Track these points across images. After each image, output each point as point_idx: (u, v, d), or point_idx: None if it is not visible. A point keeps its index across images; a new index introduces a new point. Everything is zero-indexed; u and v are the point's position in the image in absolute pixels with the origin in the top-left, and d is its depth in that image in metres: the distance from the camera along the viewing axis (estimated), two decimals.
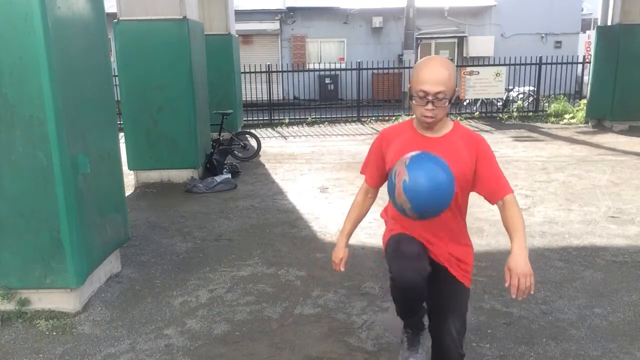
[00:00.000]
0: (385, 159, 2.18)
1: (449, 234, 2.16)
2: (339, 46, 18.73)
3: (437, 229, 2.13)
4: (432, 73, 1.93)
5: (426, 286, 2.09)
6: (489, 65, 13.44)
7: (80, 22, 3.35)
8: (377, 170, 2.27)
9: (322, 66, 16.59)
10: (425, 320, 2.36)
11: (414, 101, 1.99)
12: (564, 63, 12.61)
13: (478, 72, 12.36)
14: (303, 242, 4.50)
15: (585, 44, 17.47)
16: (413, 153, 1.93)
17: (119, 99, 6.38)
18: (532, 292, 1.92)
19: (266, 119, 12.73)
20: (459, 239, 2.19)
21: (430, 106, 1.95)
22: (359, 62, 12.95)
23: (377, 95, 16.04)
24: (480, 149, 2.04)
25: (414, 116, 2.10)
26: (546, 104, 12.73)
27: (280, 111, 13.29)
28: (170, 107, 6.44)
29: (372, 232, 4.67)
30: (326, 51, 18.66)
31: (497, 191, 2.04)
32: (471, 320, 3.12)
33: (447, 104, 1.96)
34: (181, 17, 6.30)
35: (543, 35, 18.59)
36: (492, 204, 2.09)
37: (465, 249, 2.22)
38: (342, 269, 2.32)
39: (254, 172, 7.44)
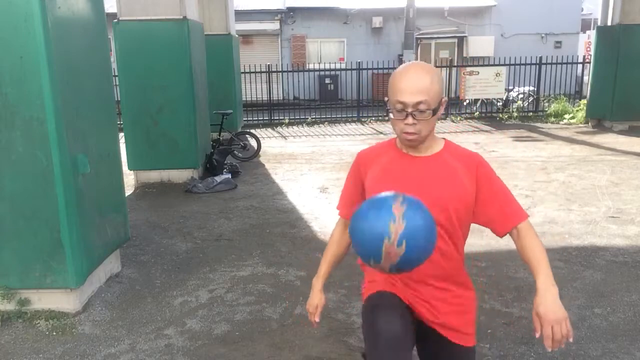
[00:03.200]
0: (365, 186, 1.83)
1: (441, 278, 1.76)
2: (339, 46, 18.73)
3: (426, 274, 1.73)
4: (410, 80, 1.61)
5: None
6: (489, 65, 13.44)
7: (80, 22, 3.36)
8: (358, 198, 1.86)
9: (322, 66, 16.59)
10: None
11: (391, 115, 1.67)
12: (564, 63, 12.62)
13: (478, 72, 12.36)
14: (303, 242, 4.50)
15: (585, 44, 17.48)
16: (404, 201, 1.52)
17: (119, 99, 6.38)
18: (570, 340, 1.52)
19: (266, 119, 12.73)
20: (454, 282, 1.79)
21: (410, 120, 1.62)
22: (359, 62, 12.95)
23: (377, 95, 16.03)
24: (480, 170, 1.72)
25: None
26: (546, 104, 12.73)
27: (280, 111, 13.29)
28: (170, 107, 6.44)
29: None
30: (326, 51, 18.65)
31: (507, 218, 1.71)
32: None
33: (431, 116, 1.63)
34: (181, 17, 6.30)
35: (543, 35, 18.59)
36: (501, 234, 1.73)
37: (464, 295, 1.82)
38: (317, 320, 1.93)
39: (254, 172, 7.44)
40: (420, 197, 1.60)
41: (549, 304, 1.51)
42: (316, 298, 1.94)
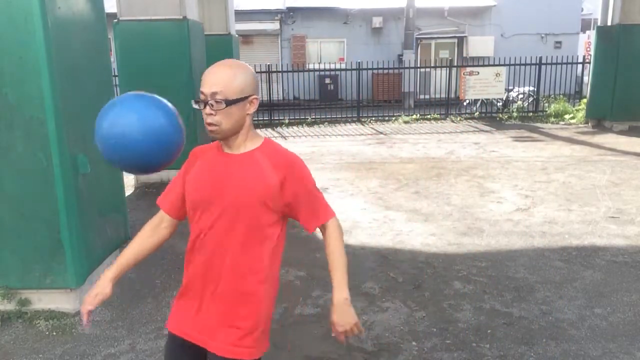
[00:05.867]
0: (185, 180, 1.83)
1: (239, 275, 1.74)
2: (339, 46, 18.72)
3: (228, 269, 1.74)
4: (211, 73, 1.69)
5: None
6: (489, 65, 13.43)
7: (80, 22, 3.36)
8: (177, 194, 1.85)
9: (322, 66, 16.59)
10: None
11: (194, 105, 1.73)
12: (564, 63, 12.61)
13: (478, 73, 12.36)
14: (303, 242, 4.50)
15: (585, 44, 17.47)
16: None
17: None
18: (362, 335, 1.88)
19: (266, 119, 12.72)
20: (251, 277, 1.75)
21: (207, 109, 1.66)
22: (359, 62, 12.95)
23: (377, 95, 16.03)
24: (290, 171, 1.73)
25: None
26: (546, 104, 12.73)
27: (280, 111, 13.28)
28: None
29: (372, 232, 4.67)
30: (326, 51, 18.64)
31: (314, 217, 1.80)
32: (471, 321, 3.12)
33: (225, 107, 1.64)
34: (181, 17, 6.30)
35: (543, 35, 18.59)
36: (310, 231, 1.83)
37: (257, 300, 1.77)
38: (90, 308, 1.75)
39: None
40: (220, 195, 1.69)
41: (340, 314, 1.73)
42: (99, 287, 1.77)
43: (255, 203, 1.71)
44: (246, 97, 1.69)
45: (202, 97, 1.68)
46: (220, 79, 1.67)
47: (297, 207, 1.77)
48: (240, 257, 1.75)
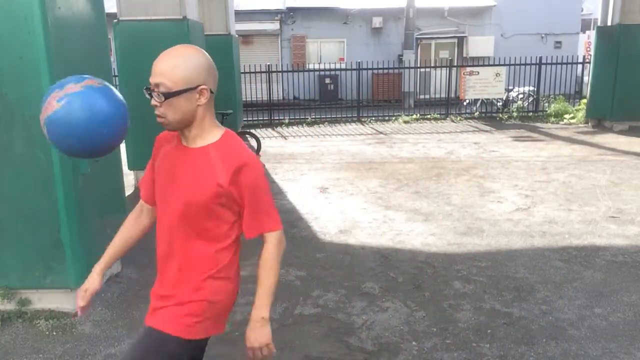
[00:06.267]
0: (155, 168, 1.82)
1: (187, 269, 1.75)
2: (339, 46, 18.72)
3: (183, 263, 1.75)
4: (157, 62, 1.63)
5: None
6: (489, 65, 13.43)
7: (80, 22, 3.36)
8: (149, 181, 1.86)
9: (322, 66, 16.58)
10: None
11: (148, 96, 1.69)
12: (564, 63, 12.61)
13: (478, 72, 12.37)
14: (303, 242, 4.50)
15: (585, 44, 17.48)
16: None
17: None
18: (270, 354, 1.82)
19: (266, 119, 12.72)
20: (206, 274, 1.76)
21: (152, 101, 1.61)
22: (359, 62, 12.95)
23: (377, 95, 16.03)
24: (240, 172, 1.63)
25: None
26: (546, 104, 12.73)
27: (280, 111, 13.28)
28: None
29: (372, 232, 4.67)
30: (326, 51, 18.64)
31: (254, 225, 1.71)
32: (471, 321, 3.12)
33: (165, 100, 1.58)
34: (181, 17, 6.30)
35: (543, 35, 18.59)
36: (247, 237, 1.76)
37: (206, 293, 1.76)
38: (81, 304, 1.87)
39: None
40: (174, 192, 1.67)
41: (253, 331, 1.75)
42: (88, 282, 1.89)
43: (207, 202, 1.64)
44: (193, 88, 1.60)
45: (151, 87, 1.63)
46: (164, 69, 1.59)
47: (242, 209, 1.69)
48: (197, 254, 1.72)
